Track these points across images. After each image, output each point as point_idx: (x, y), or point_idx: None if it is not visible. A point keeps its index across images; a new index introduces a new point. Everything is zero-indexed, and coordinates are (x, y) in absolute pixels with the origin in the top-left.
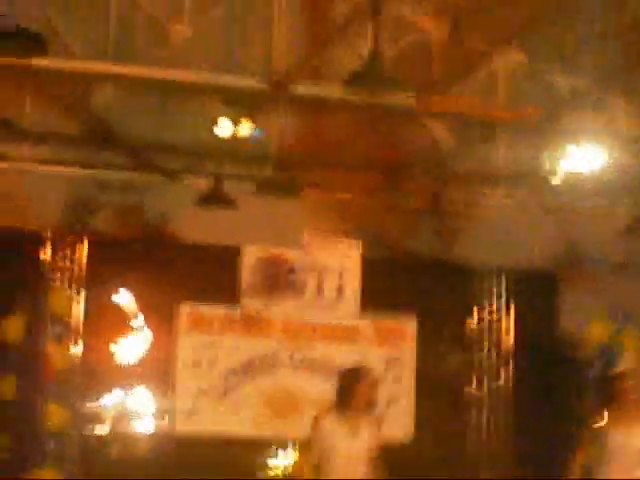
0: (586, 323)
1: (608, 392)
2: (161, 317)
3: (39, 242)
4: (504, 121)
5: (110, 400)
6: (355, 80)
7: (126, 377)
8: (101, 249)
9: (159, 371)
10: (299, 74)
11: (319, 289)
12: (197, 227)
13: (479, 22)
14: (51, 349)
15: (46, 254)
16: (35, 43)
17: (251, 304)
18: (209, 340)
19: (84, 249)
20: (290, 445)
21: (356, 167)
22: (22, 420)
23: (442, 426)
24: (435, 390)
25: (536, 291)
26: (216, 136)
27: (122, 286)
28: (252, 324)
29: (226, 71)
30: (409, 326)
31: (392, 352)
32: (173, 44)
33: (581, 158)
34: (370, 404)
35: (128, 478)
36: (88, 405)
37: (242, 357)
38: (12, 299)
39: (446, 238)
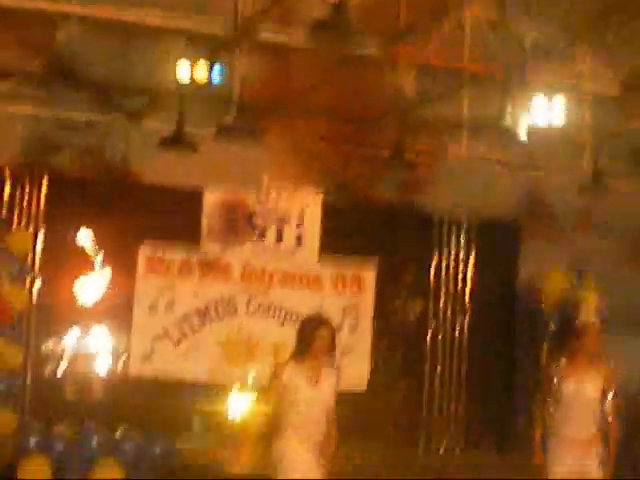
0: (546, 274)
1: (565, 343)
2: (120, 258)
3: None
4: (470, 72)
5: (67, 340)
6: (320, 28)
7: (84, 317)
8: (61, 188)
9: (117, 312)
10: (264, 20)
11: (279, 235)
12: (158, 169)
13: None
14: (9, 289)
15: (5, 192)
16: None
17: (210, 248)
18: (167, 283)
19: (44, 188)
20: (246, 390)
21: (320, 115)
22: None
23: (398, 374)
24: (393, 338)
25: (497, 241)
26: (179, 79)
27: (82, 226)
28: (211, 268)
29: (191, 14)
30: (368, 274)
31: (350, 299)
32: None
33: (546, 111)
34: (329, 352)
35: (82, 418)
36: (45, 345)
37: (200, 301)
38: None
39: (409, 187)
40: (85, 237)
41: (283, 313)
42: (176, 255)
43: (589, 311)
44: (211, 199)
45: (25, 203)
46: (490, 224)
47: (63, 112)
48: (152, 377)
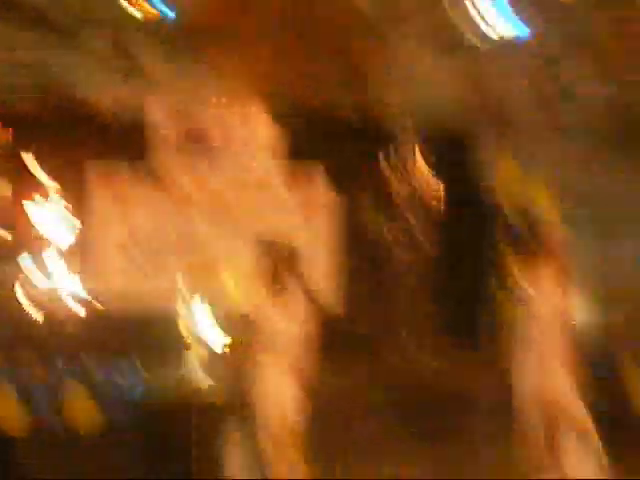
0: (506, 183)
1: (525, 251)
2: (72, 182)
3: None
4: None
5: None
6: None
7: (38, 249)
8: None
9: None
10: None
11: (230, 145)
12: (104, 88)
13: None
14: None
15: None
16: None
17: (160, 163)
18: (119, 198)
19: None
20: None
21: (267, 29)
22: None
23: (368, 292)
24: (360, 259)
25: (457, 152)
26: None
27: (31, 153)
28: (162, 184)
29: None
30: (326, 192)
31: (309, 215)
32: None
33: (501, 15)
34: (296, 277)
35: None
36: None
37: (153, 218)
38: None
39: (364, 101)
40: (34, 164)
41: (240, 225)
42: (126, 170)
43: (547, 216)
44: (158, 113)
45: None
46: (448, 136)
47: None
48: (117, 307)
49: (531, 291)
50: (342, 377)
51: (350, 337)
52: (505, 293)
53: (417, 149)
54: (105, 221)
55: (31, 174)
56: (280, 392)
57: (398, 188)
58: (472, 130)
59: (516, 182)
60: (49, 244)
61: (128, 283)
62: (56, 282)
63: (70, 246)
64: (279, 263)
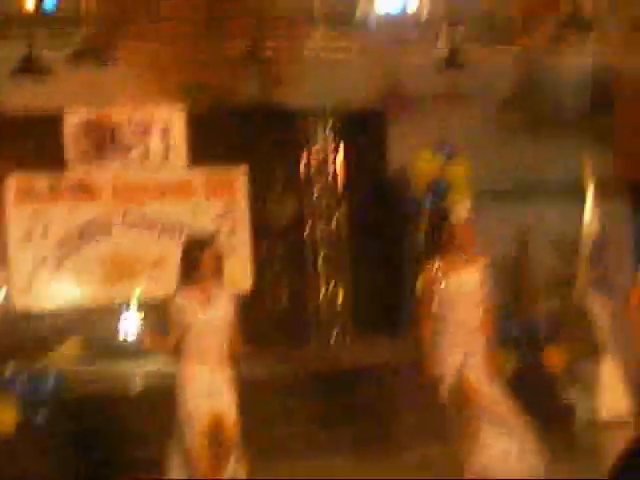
0: (414, 159)
1: (438, 234)
2: None
3: None
4: None
5: None
6: None
7: None
8: None
9: None
10: None
11: (145, 148)
12: (16, 97)
13: None
14: None
15: None
16: None
17: (77, 169)
18: (39, 210)
19: None
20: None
21: (172, 18)
22: None
23: (280, 273)
24: (271, 238)
25: (363, 130)
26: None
27: None
28: (81, 190)
29: None
30: (239, 177)
31: (224, 204)
32: None
33: None
34: (217, 273)
35: None
36: None
37: (73, 224)
38: None
39: (270, 84)
40: None
41: (159, 226)
42: (44, 182)
43: (459, 192)
44: (72, 119)
45: None
46: (354, 113)
47: None
48: (36, 308)
49: (444, 268)
50: (265, 365)
51: (270, 324)
52: (417, 270)
53: (327, 130)
54: (25, 232)
55: None
56: (205, 384)
57: (306, 167)
58: (380, 108)
59: (433, 165)
60: None
61: (53, 290)
62: None
63: None
64: (199, 252)
